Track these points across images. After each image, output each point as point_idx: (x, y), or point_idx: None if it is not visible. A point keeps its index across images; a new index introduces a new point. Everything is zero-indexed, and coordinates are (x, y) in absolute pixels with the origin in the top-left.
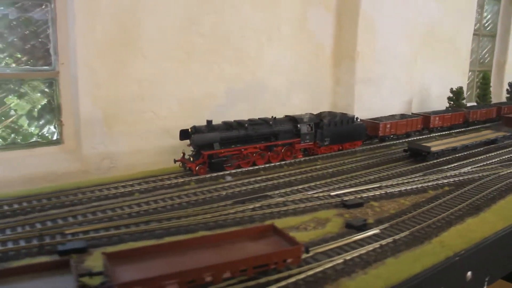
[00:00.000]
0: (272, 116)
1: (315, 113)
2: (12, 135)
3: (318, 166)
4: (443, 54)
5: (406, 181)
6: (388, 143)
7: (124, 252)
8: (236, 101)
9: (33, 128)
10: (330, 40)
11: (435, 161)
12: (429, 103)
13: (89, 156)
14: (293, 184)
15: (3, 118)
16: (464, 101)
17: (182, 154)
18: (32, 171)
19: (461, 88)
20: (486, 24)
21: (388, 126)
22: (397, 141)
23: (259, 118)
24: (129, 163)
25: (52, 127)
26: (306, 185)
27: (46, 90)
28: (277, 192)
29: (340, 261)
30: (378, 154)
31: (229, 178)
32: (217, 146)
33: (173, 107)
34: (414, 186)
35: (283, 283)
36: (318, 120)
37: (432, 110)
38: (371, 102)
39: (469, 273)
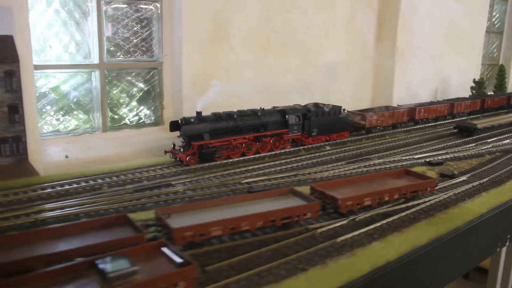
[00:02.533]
0: (261, 107)
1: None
2: (116, 117)
3: (388, 139)
4: (460, 49)
5: (464, 149)
6: (437, 123)
7: (325, 184)
8: (298, 88)
9: (134, 112)
10: (372, 37)
11: (478, 136)
12: (449, 92)
13: None
14: (379, 151)
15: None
16: (485, 90)
17: (172, 145)
18: (141, 147)
19: (482, 79)
20: (495, 22)
21: (374, 118)
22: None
23: (248, 109)
24: None
25: (149, 111)
26: (390, 152)
27: (148, 78)
28: (372, 156)
29: (452, 194)
30: (429, 132)
31: (328, 147)
32: (207, 137)
33: (251, 92)
34: (473, 152)
35: (423, 205)
36: (306, 111)
37: (453, 98)
38: (406, 91)
39: None
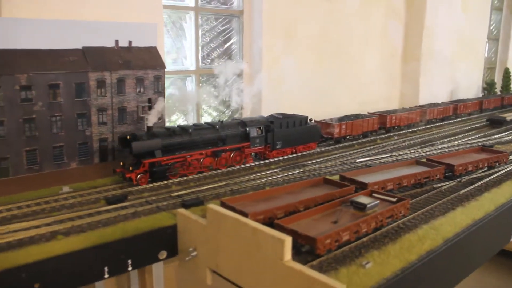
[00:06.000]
0: (219, 120)
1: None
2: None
3: (435, 131)
4: (467, 55)
5: (502, 136)
6: (464, 118)
7: (433, 156)
8: (343, 90)
9: (216, 113)
10: (401, 44)
11: (508, 126)
12: (459, 93)
13: None
14: (436, 139)
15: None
16: (496, 90)
17: (121, 164)
18: None
19: (493, 80)
20: (493, 30)
21: (343, 127)
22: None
23: (205, 122)
24: None
25: (230, 112)
26: (445, 139)
27: (231, 82)
28: (435, 142)
29: None
30: (464, 125)
31: (396, 137)
32: (159, 154)
33: (308, 93)
34: (510, 138)
35: (501, 172)
36: (268, 123)
37: (460, 98)
38: (428, 92)
39: None
